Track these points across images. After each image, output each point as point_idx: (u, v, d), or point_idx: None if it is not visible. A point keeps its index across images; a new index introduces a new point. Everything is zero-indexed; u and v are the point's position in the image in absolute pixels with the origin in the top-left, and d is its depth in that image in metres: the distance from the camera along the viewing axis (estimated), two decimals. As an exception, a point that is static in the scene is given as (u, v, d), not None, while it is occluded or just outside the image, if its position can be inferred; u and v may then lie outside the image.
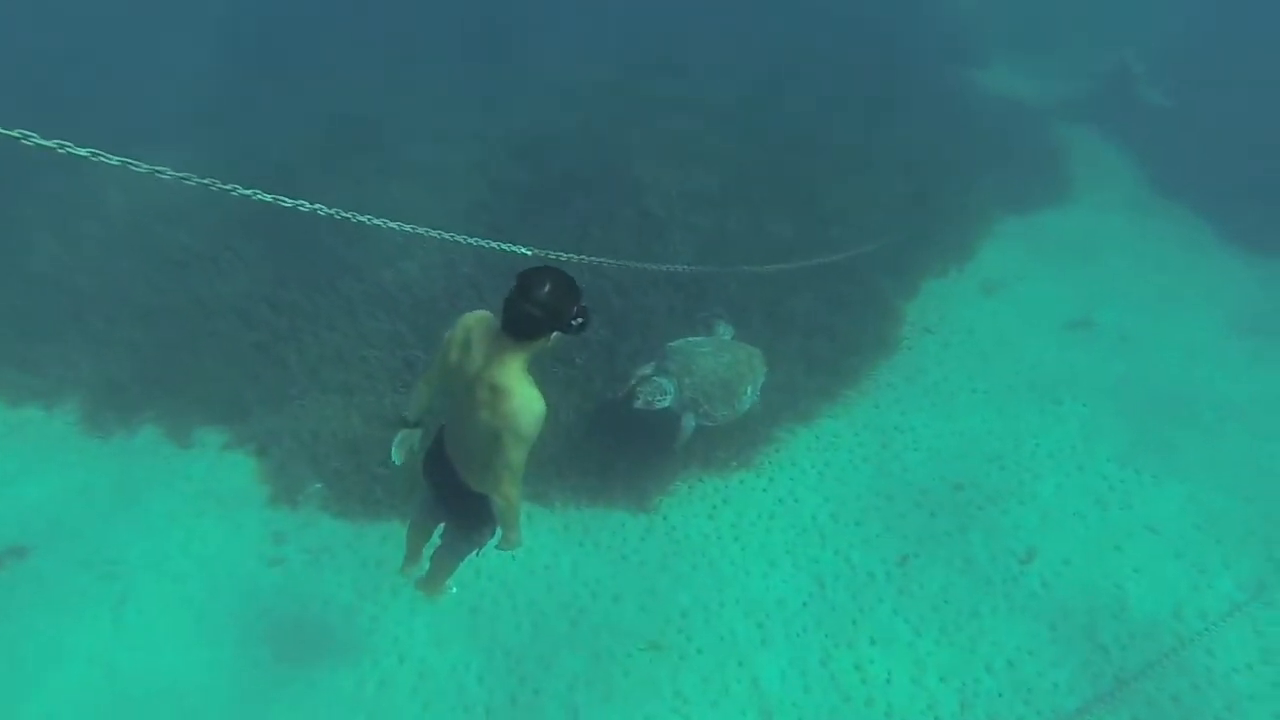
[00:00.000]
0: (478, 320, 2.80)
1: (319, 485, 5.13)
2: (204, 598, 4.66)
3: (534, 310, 2.54)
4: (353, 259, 6.48)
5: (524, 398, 2.62)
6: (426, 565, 4.00)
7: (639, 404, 4.80)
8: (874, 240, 6.71)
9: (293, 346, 5.80)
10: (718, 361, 5.03)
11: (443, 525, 3.67)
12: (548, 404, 2.67)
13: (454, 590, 4.51)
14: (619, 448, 5.30)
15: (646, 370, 5.01)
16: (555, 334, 2.68)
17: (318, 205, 2.68)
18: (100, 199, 7.14)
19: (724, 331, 5.56)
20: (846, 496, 5.27)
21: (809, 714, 4.21)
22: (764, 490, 5.29)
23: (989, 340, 6.60)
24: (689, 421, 4.90)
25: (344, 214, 2.75)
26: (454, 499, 3.24)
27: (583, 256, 4.03)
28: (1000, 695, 4.35)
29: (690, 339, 5.29)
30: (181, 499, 5.15)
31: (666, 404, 4.84)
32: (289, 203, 2.59)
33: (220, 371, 5.69)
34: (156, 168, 2.32)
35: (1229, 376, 6.46)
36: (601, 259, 4.30)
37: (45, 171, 6.69)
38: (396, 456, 3.29)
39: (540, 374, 5.45)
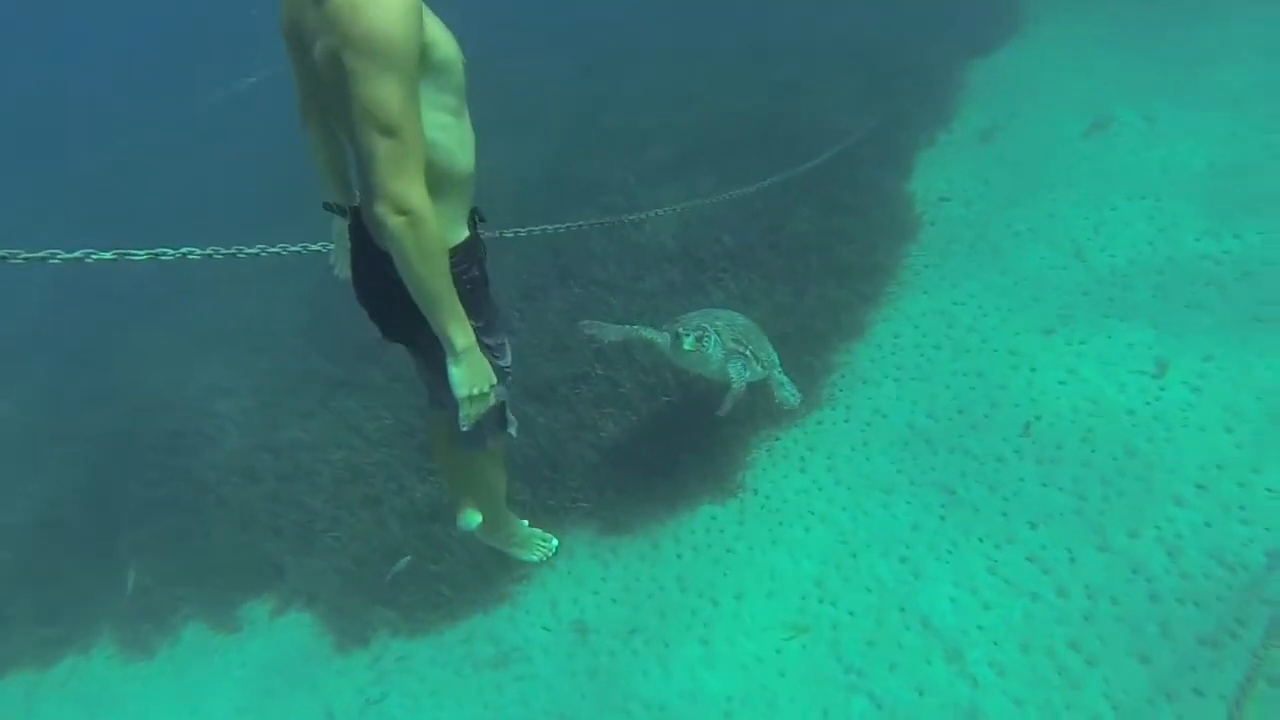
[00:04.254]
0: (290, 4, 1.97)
1: (406, 559, 4.59)
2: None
3: None
4: (339, 373, 6.06)
5: None
6: (474, 510, 3.07)
7: (688, 345, 3.85)
8: (849, 135, 6.20)
9: (304, 483, 5.32)
10: (734, 317, 4.43)
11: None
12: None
13: (554, 543, 3.55)
14: (675, 441, 4.71)
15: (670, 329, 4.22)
16: None
17: (189, 250, 2.21)
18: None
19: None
20: (935, 391, 4.59)
21: (1001, 633, 3.48)
22: (845, 421, 4.64)
23: (1009, 182, 5.97)
24: (736, 370, 4.10)
25: (217, 252, 2.29)
26: (391, 309, 2.19)
27: (554, 227, 3.56)
28: (1207, 525, 3.60)
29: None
30: (242, 689, 4.62)
31: (711, 349, 3.97)
32: (142, 255, 2.13)
33: (240, 539, 5.21)
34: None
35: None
36: (581, 223, 3.81)
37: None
38: None
39: (569, 394, 5.09)
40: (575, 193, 7.05)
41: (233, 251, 2.60)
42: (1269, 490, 3.68)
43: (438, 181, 1.90)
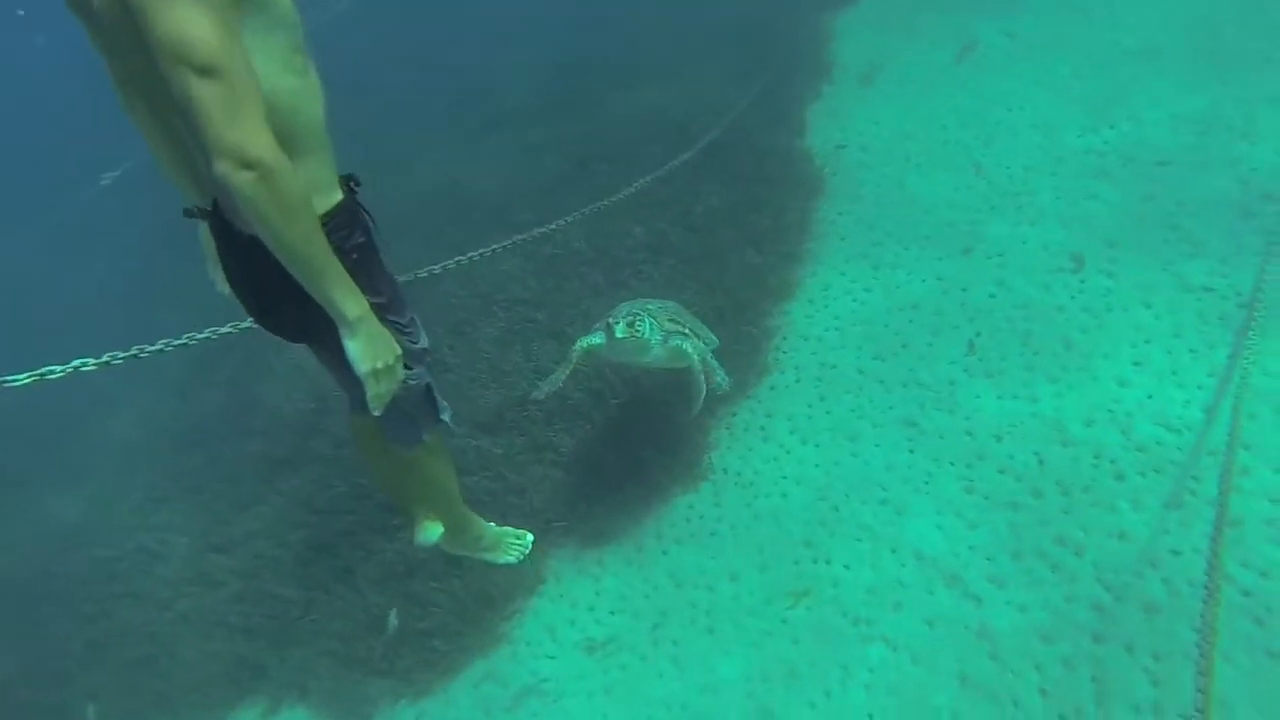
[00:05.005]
0: None
1: (391, 613, 4.40)
2: None
3: None
4: (279, 451, 5.78)
5: None
6: (431, 521, 2.84)
7: (620, 333, 3.68)
8: (735, 107, 6.26)
9: (267, 574, 5.04)
10: (664, 302, 4.38)
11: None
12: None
13: (529, 538, 3.27)
14: (635, 441, 4.65)
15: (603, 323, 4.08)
16: None
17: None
18: None
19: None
20: (876, 332, 4.66)
21: (991, 547, 3.55)
22: (796, 381, 4.66)
23: (898, 119, 6.13)
24: (691, 345, 3.99)
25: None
26: (272, 301, 1.95)
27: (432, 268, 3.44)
28: (1150, 397, 3.74)
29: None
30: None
31: (647, 332, 3.79)
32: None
33: (211, 649, 4.89)
34: None
35: None
36: (494, 247, 3.71)
37: None
38: None
39: (518, 418, 4.97)
40: (480, 218, 6.93)
41: (133, 353, 2.36)
42: (1192, 351, 3.87)
43: (288, 138, 1.64)
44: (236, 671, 4.81)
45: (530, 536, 3.31)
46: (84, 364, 2.09)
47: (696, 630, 3.87)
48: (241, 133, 1.48)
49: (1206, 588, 2.56)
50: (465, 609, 4.33)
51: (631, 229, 5.82)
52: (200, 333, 2.45)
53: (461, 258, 3.76)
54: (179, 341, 2.39)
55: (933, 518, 3.74)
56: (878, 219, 5.32)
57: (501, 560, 3.24)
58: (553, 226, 4.76)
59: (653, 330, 3.79)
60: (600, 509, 4.49)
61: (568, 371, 4.10)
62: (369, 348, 1.85)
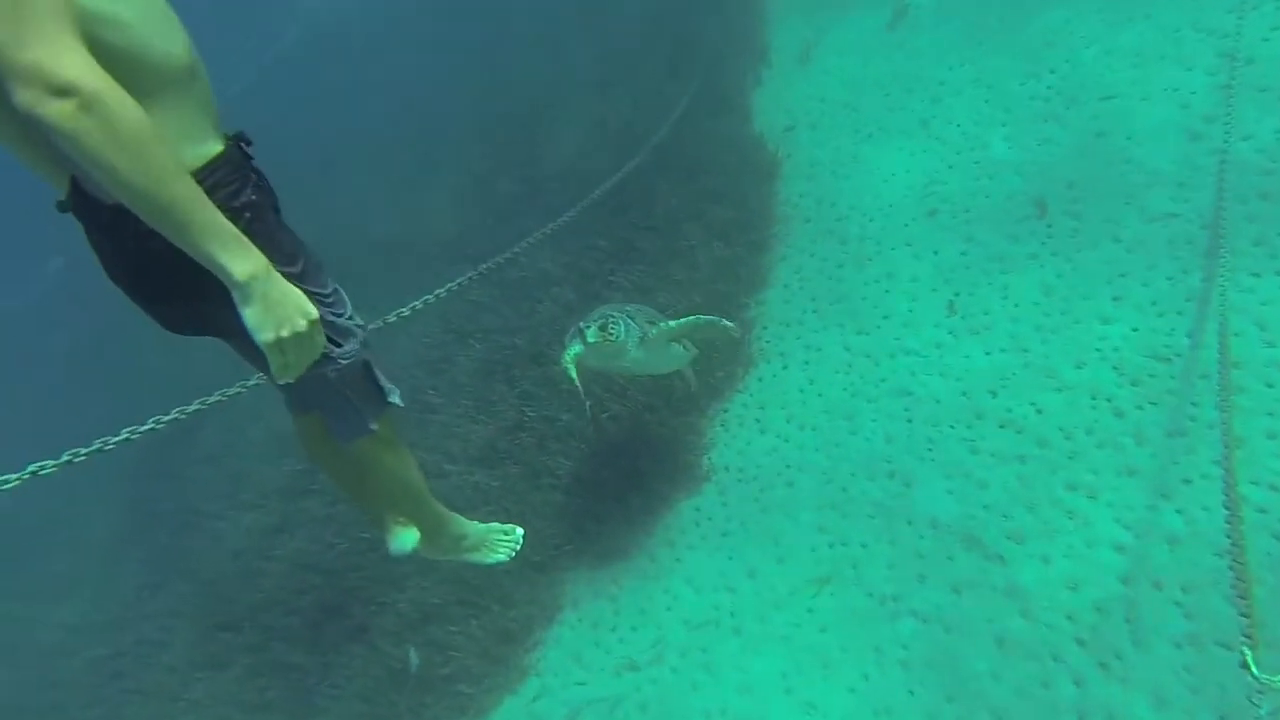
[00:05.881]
0: None
1: (411, 651, 4.30)
2: None
3: None
4: (272, 520, 5.65)
5: None
6: (404, 525, 2.56)
7: (592, 337, 3.53)
8: (677, 103, 6.22)
9: (279, 644, 4.90)
10: (639, 306, 4.27)
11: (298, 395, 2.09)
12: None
13: (519, 532, 2.92)
14: (632, 453, 4.59)
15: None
16: None
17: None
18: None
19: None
20: (855, 306, 4.64)
21: (1005, 504, 3.51)
22: (784, 368, 4.62)
23: (842, 92, 6.12)
24: (673, 349, 3.94)
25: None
26: (153, 281, 1.66)
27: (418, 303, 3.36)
28: (1135, 330, 3.75)
29: None
30: None
31: (622, 334, 3.58)
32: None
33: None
34: None
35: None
36: (458, 281, 3.61)
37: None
38: None
39: (510, 447, 4.87)
40: (440, 253, 6.85)
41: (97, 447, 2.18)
42: (1168, 279, 3.88)
43: (130, 71, 1.36)
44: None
45: (520, 531, 2.96)
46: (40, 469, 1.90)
47: (723, 633, 3.80)
48: (39, 51, 1.18)
49: (1227, 509, 2.54)
50: (486, 649, 4.23)
51: (596, 241, 5.76)
52: (142, 425, 2.17)
53: (429, 296, 3.66)
54: (117, 440, 2.09)
55: (942, 483, 3.71)
56: (838, 194, 5.31)
57: (491, 560, 2.87)
58: (515, 250, 4.68)
59: (629, 332, 3.61)
60: (607, 527, 4.42)
61: (579, 386, 3.87)
62: (268, 312, 1.55)
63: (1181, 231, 4.04)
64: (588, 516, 4.48)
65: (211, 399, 2.30)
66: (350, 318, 1.98)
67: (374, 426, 2.14)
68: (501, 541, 2.89)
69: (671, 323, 3.78)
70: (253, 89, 13.44)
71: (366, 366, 2.05)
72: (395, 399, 2.18)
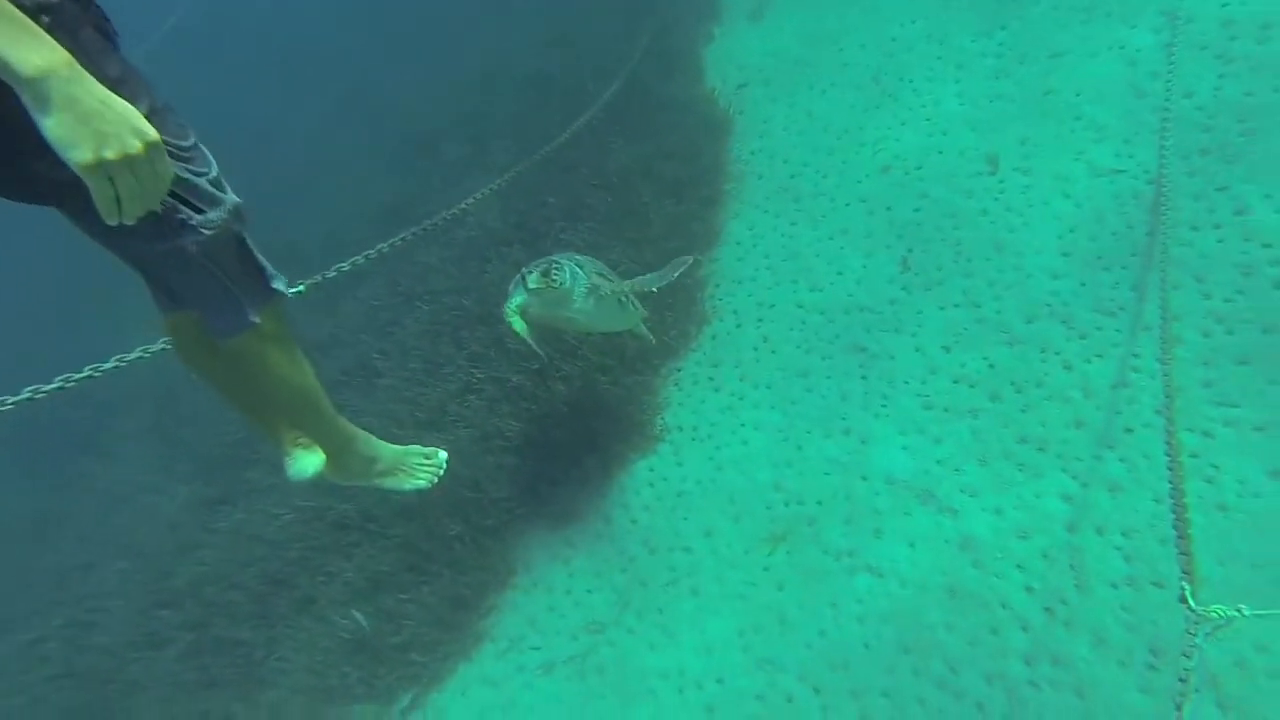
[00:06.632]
0: None
1: (356, 614, 4.23)
2: None
3: None
4: (212, 491, 5.43)
5: None
6: (305, 446, 2.28)
7: (534, 283, 3.24)
8: (628, 61, 6.06)
9: (221, 619, 4.72)
10: (589, 259, 4.10)
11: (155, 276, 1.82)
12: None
13: (442, 455, 2.75)
14: (584, 413, 4.50)
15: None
16: None
17: None
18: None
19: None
20: (808, 263, 4.60)
21: (958, 458, 3.55)
22: (737, 326, 4.58)
23: (795, 49, 6.02)
24: (626, 307, 3.80)
25: None
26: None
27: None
28: (1082, 285, 3.79)
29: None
30: None
31: (567, 280, 3.31)
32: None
33: (172, 711, 4.52)
34: None
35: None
36: (402, 236, 3.45)
37: None
38: None
39: (461, 410, 4.75)
40: (385, 215, 6.61)
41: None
42: (1114, 234, 3.93)
43: None
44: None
45: (444, 454, 2.75)
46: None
47: (680, 593, 3.78)
48: None
49: (1169, 455, 2.59)
50: (439, 616, 4.14)
51: (545, 199, 5.61)
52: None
53: (370, 251, 3.49)
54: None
55: (897, 439, 3.72)
56: (792, 151, 5.24)
57: (409, 486, 2.63)
58: (461, 206, 4.51)
59: (574, 279, 3.34)
60: (561, 489, 4.34)
61: (529, 340, 3.63)
62: (82, 124, 1.19)
63: (1128, 186, 4.09)
64: (541, 479, 4.40)
65: (107, 365, 2.08)
66: (215, 181, 1.67)
67: (255, 319, 1.85)
68: (421, 466, 2.67)
69: (625, 283, 3.66)
70: (173, 50, 12.67)
71: (241, 243, 1.75)
72: (280, 285, 1.90)
